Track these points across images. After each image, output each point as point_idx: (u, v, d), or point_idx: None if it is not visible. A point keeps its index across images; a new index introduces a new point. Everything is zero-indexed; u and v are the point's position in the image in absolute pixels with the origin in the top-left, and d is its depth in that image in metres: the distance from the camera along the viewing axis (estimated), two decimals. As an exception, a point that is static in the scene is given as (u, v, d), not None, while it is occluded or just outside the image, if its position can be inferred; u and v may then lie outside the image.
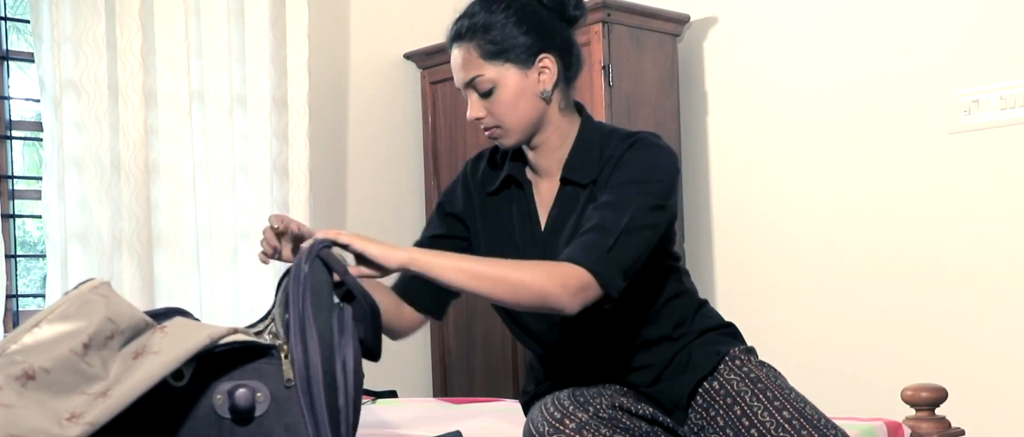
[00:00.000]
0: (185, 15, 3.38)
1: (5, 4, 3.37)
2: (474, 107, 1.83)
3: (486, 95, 1.80)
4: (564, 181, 1.85)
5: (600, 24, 3.48)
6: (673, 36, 3.73)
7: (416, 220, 4.12)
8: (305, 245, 1.46)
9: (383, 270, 1.62)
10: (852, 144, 3.44)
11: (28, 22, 3.24)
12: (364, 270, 1.61)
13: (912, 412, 2.31)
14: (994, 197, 3.17)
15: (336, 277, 1.44)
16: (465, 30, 1.81)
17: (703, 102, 3.79)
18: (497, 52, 1.79)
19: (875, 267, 3.39)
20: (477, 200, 1.95)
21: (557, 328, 1.90)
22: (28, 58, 3.37)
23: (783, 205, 3.60)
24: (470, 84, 1.82)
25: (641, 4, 3.64)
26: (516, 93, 1.80)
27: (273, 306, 1.48)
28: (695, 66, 3.81)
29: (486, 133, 1.85)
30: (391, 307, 1.91)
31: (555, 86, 1.83)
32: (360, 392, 1.38)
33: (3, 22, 3.36)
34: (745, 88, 3.69)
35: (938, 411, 2.31)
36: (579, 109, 1.92)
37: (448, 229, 1.97)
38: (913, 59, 3.31)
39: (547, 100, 1.83)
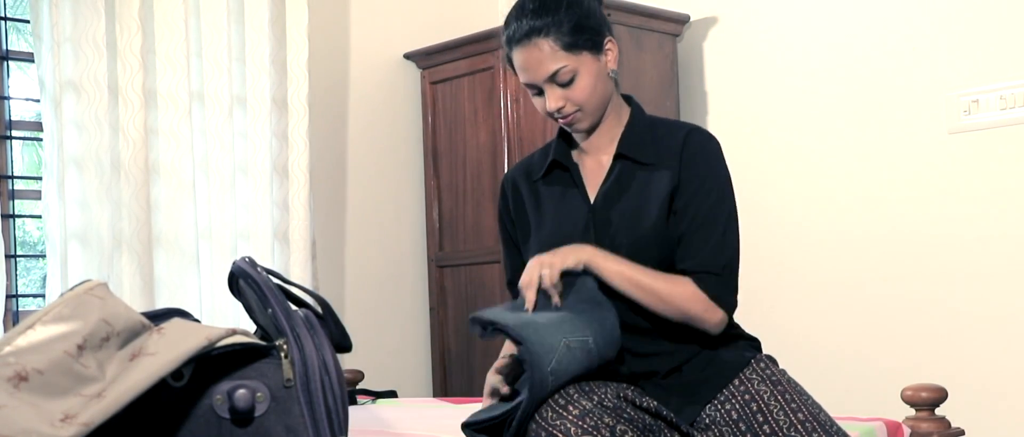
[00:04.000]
0: (185, 15, 3.38)
1: (5, 4, 3.36)
2: (554, 99, 1.93)
3: (566, 84, 1.92)
4: (619, 156, 1.99)
5: (600, 24, 3.48)
6: (673, 36, 3.72)
7: (416, 220, 4.12)
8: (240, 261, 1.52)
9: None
10: (852, 144, 3.44)
11: (28, 22, 3.24)
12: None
13: (912, 412, 2.31)
14: (994, 197, 3.16)
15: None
16: (538, 28, 1.91)
17: (703, 102, 3.79)
18: (574, 43, 1.91)
19: (875, 267, 3.39)
20: (526, 191, 2.07)
21: None
22: (28, 58, 3.37)
23: (782, 205, 3.60)
24: (552, 78, 1.92)
25: (641, 4, 3.64)
26: (595, 77, 1.94)
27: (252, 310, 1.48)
28: (695, 66, 3.81)
29: (562, 121, 1.97)
30: None
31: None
32: (345, 389, 1.39)
33: (3, 22, 3.36)
34: (745, 88, 3.69)
35: (938, 411, 2.31)
36: (627, 98, 2.08)
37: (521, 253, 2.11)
38: (913, 59, 3.31)
39: (615, 79, 2.00)
